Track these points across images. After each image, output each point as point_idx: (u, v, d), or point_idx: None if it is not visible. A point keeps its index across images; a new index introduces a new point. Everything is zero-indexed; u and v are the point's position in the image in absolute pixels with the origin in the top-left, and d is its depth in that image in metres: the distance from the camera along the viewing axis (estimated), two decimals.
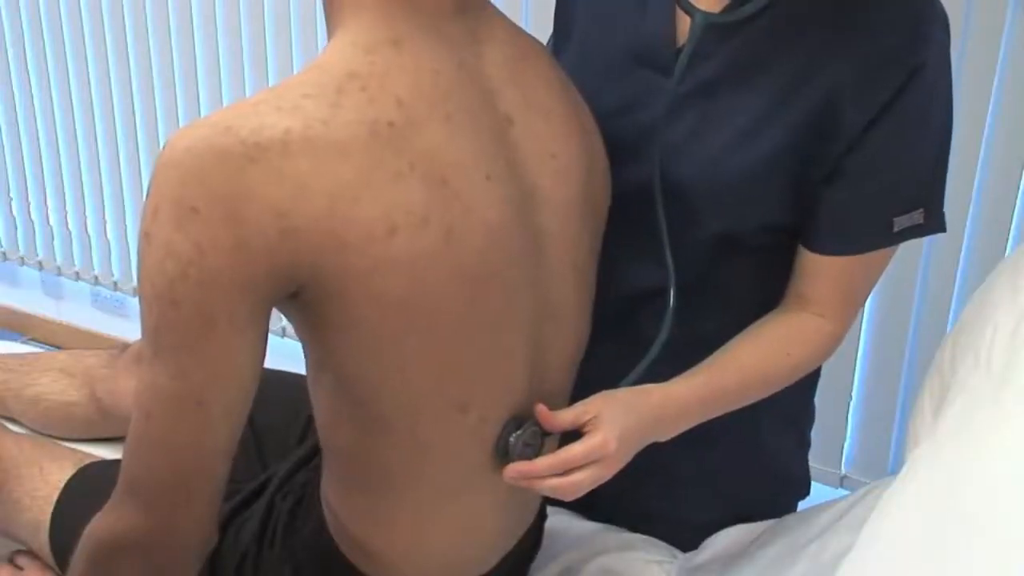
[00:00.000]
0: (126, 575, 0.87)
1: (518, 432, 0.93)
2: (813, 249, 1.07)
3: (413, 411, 0.87)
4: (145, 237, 0.78)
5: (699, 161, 1.05)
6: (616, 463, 0.94)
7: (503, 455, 0.93)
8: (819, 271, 1.07)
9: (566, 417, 0.95)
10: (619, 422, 0.94)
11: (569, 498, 0.93)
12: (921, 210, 1.05)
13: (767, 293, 1.11)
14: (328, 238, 0.77)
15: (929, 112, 1.02)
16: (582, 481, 0.92)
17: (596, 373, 1.02)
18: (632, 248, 1.10)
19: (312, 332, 0.85)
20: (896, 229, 1.05)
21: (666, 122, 1.04)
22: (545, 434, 0.95)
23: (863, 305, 1.12)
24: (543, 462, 0.92)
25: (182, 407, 0.79)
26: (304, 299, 0.81)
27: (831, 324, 1.08)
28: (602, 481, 0.94)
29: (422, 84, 0.82)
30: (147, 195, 0.78)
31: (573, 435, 0.95)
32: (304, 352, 0.89)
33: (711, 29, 1.02)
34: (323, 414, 0.92)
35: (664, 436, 1.01)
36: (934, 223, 1.07)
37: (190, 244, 0.75)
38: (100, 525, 0.88)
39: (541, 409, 0.94)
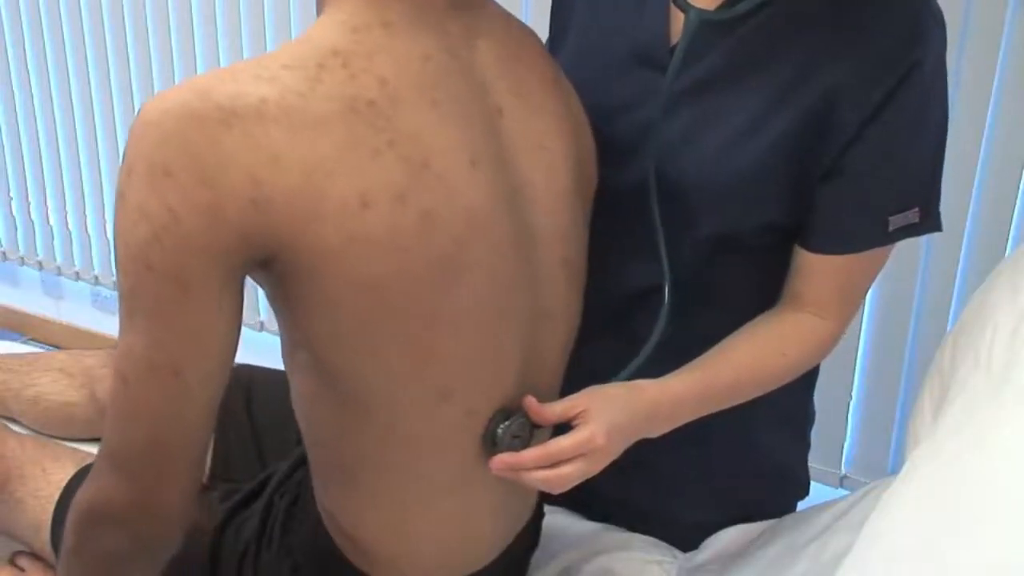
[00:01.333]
0: (109, 544, 0.86)
1: (506, 423, 0.92)
2: (809, 248, 1.07)
3: (390, 396, 0.87)
4: (120, 196, 0.78)
5: (694, 161, 1.05)
6: (605, 457, 0.94)
7: (491, 446, 0.93)
8: (815, 270, 1.07)
9: (555, 410, 0.95)
10: (609, 416, 0.94)
11: (557, 491, 0.93)
12: (917, 209, 1.05)
13: (763, 293, 1.11)
14: (301, 210, 0.77)
15: (925, 111, 1.03)
16: (570, 474, 0.92)
17: (591, 370, 1.02)
18: (629, 246, 1.10)
19: (286, 307, 0.85)
20: (892, 228, 1.05)
21: (662, 121, 1.04)
22: (534, 426, 0.95)
23: (860, 304, 1.12)
24: (530, 454, 0.91)
25: (157, 373, 0.79)
26: (276, 271, 0.81)
27: (828, 323, 1.08)
28: (590, 475, 0.94)
29: (409, 67, 0.82)
30: (123, 155, 0.78)
31: (564, 428, 0.95)
32: (280, 332, 0.89)
33: (705, 27, 1.02)
34: (301, 397, 0.92)
35: (656, 432, 1.01)
36: (930, 222, 1.07)
37: (164, 208, 0.75)
38: (83, 495, 0.87)
39: (530, 401, 0.94)
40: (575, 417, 0.94)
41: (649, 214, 1.06)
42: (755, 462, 1.25)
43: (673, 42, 1.06)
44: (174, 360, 0.79)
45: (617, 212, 1.06)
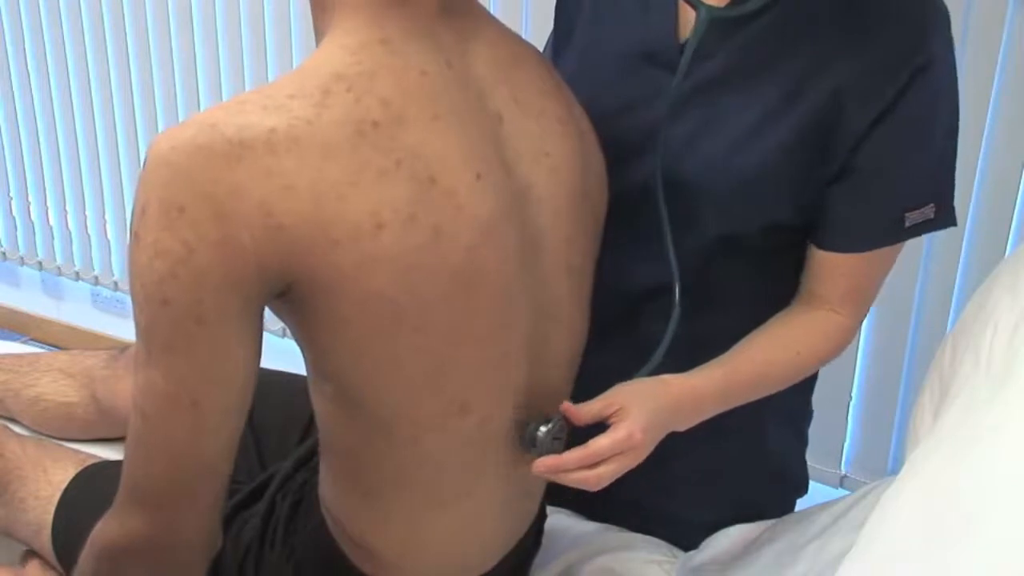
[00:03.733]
0: None
1: (547, 426, 0.94)
2: (825, 247, 1.08)
3: (411, 414, 0.87)
4: (134, 237, 0.78)
5: (702, 160, 1.05)
6: (641, 453, 0.95)
7: (530, 448, 0.94)
8: (831, 268, 1.08)
9: (592, 410, 0.96)
10: (644, 414, 0.95)
11: (594, 489, 0.94)
12: (932, 205, 1.06)
13: (771, 293, 1.12)
14: (314, 235, 0.77)
15: (936, 108, 1.03)
16: (608, 473, 0.94)
17: (600, 372, 1.02)
18: (637, 247, 1.10)
19: (306, 333, 0.85)
20: (908, 224, 1.05)
21: (669, 120, 1.04)
22: (571, 428, 0.96)
23: (874, 299, 1.13)
24: (572, 456, 0.92)
25: (177, 407, 0.79)
26: (293, 297, 0.81)
27: (844, 319, 1.10)
28: (625, 471, 0.95)
29: (409, 84, 0.82)
30: (135, 196, 0.78)
31: (596, 425, 0.96)
32: (304, 359, 0.89)
33: (716, 24, 1.02)
34: (324, 419, 0.92)
35: (681, 426, 1.02)
36: (945, 217, 1.08)
37: (178, 243, 0.76)
38: (103, 531, 0.87)
39: (568, 405, 0.95)
40: (610, 416, 0.95)
41: (656, 214, 1.06)
42: (760, 461, 1.25)
43: (680, 40, 1.06)
44: (193, 394, 0.79)
45: (623, 213, 1.06)
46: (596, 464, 0.93)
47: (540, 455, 0.93)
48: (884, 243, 1.07)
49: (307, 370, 0.90)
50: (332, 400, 0.89)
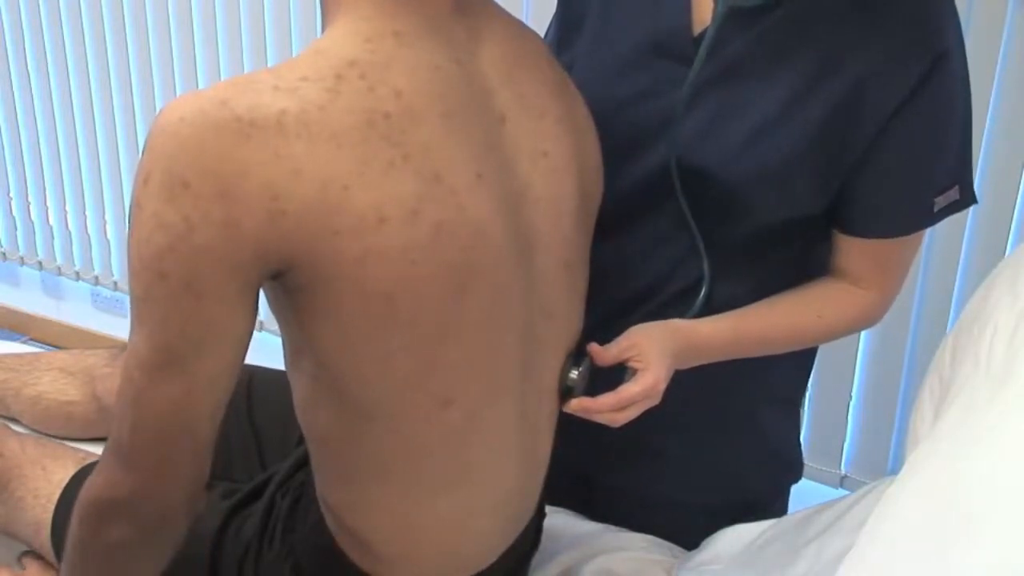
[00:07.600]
0: (115, 535, 0.87)
1: (578, 370, 1.00)
2: (855, 234, 1.09)
3: (392, 403, 0.87)
4: (135, 205, 0.78)
5: (718, 151, 1.05)
6: (659, 397, 1.02)
7: (566, 391, 1.01)
8: (862, 253, 1.10)
9: (612, 352, 1.03)
10: (662, 359, 1.02)
11: (618, 425, 1.01)
12: (956, 187, 1.08)
13: (796, 282, 1.13)
14: (318, 223, 0.77)
15: (955, 95, 1.04)
16: (633, 414, 1.01)
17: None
18: (656, 237, 1.12)
19: (295, 316, 0.85)
20: (936, 209, 1.08)
21: (684, 112, 1.05)
22: (595, 368, 1.02)
23: (906, 275, 1.16)
24: (605, 400, 0.99)
25: (165, 375, 0.79)
26: (289, 282, 0.81)
27: (872, 293, 1.12)
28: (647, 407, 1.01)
29: (421, 78, 0.82)
30: (140, 161, 0.78)
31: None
32: (283, 337, 0.89)
33: (733, 15, 1.02)
34: (301, 399, 0.93)
35: (684, 366, 1.07)
36: (968, 197, 1.10)
37: (180, 218, 0.75)
38: (89, 488, 0.88)
39: (594, 347, 1.02)
40: (630, 358, 1.02)
41: (674, 205, 1.07)
42: (757, 444, 1.26)
43: (694, 32, 1.06)
44: (181, 361, 0.79)
45: (641, 203, 1.07)
46: (625, 407, 1.00)
47: (573, 393, 1.00)
48: (916, 228, 1.10)
49: (284, 345, 0.90)
50: (310, 378, 0.89)
